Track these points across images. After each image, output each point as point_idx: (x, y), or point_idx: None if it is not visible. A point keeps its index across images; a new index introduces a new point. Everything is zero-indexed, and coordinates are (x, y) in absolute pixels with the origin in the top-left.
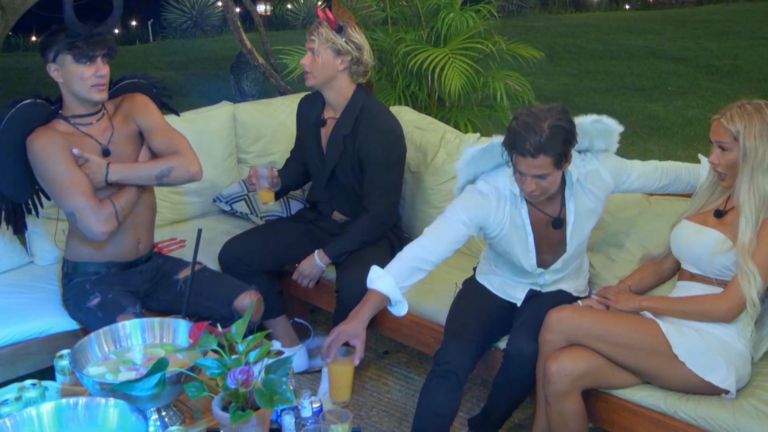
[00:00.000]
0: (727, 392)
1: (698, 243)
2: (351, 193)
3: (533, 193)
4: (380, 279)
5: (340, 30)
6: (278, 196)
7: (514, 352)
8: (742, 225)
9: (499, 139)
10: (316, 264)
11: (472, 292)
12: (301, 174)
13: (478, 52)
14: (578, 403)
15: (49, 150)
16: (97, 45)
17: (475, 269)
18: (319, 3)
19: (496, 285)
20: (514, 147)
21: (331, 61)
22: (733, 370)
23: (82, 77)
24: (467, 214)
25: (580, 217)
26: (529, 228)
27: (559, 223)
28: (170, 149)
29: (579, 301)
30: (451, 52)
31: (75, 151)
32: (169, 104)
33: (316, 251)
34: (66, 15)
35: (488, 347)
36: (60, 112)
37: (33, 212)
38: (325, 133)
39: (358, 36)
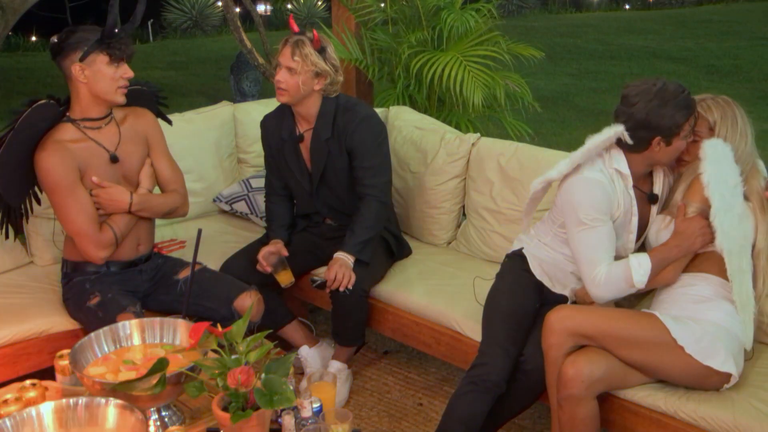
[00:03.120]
0: (728, 379)
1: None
2: (342, 195)
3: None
4: (641, 264)
5: (322, 50)
6: (290, 237)
7: (533, 365)
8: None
9: (612, 129)
10: (347, 263)
11: (518, 284)
12: (289, 205)
13: (488, 58)
14: (593, 408)
15: (56, 170)
16: (124, 46)
17: (511, 253)
18: (319, 3)
19: (554, 276)
20: (690, 106)
21: (309, 81)
22: (730, 354)
23: (112, 78)
24: (603, 212)
25: (663, 195)
26: (635, 208)
27: (655, 198)
28: (171, 182)
29: None
30: (464, 57)
31: (94, 178)
32: (165, 114)
33: (337, 254)
34: (111, 16)
35: None
36: (68, 114)
37: (24, 216)
38: (305, 146)
39: (335, 57)
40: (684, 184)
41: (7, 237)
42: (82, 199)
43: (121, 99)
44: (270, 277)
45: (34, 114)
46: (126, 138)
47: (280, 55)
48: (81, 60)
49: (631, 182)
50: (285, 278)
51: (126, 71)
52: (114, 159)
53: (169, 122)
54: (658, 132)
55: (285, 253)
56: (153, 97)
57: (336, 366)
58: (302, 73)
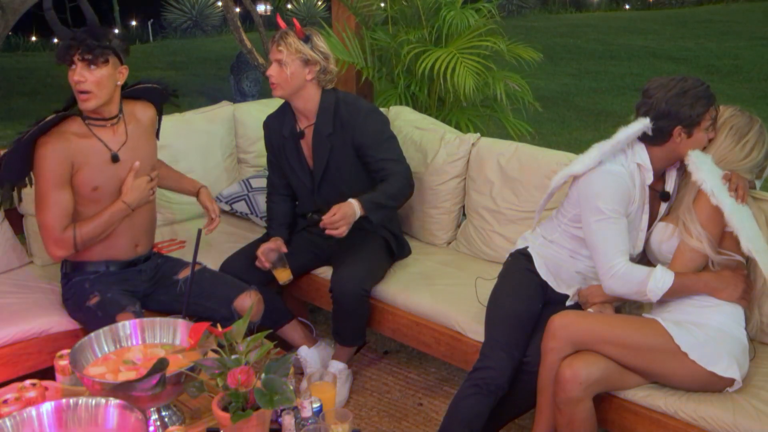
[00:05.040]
0: (731, 383)
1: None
2: (344, 191)
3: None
4: (663, 277)
5: (307, 39)
6: (289, 236)
7: (538, 366)
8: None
9: (641, 122)
10: (355, 210)
11: (522, 285)
12: (290, 204)
13: (485, 49)
14: (590, 410)
15: (47, 161)
16: (71, 49)
17: (517, 250)
18: (319, 3)
19: (559, 275)
20: (710, 97)
21: (299, 71)
22: (734, 359)
23: (70, 83)
24: (623, 206)
25: (673, 193)
26: (647, 205)
27: (667, 196)
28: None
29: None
30: (458, 51)
31: (137, 163)
32: (176, 103)
33: (351, 199)
34: (47, 17)
35: None
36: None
37: (29, 185)
38: (306, 143)
39: (323, 45)
40: (690, 196)
41: (10, 204)
42: (61, 196)
43: (84, 106)
44: (270, 277)
45: (41, 128)
46: (133, 137)
47: (269, 53)
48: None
49: (651, 177)
50: (283, 275)
51: (74, 75)
52: (115, 158)
53: (177, 104)
54: (679, 121)
55: (284, 249)
56: (163, 93)
57: (336, 366)
58: (290, 63)
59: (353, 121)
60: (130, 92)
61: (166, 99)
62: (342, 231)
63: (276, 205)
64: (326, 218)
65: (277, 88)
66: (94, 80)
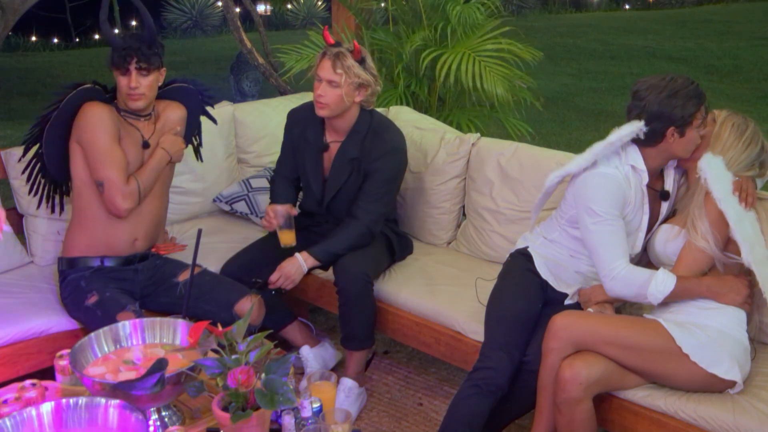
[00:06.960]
0: (732, 385)
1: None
2: (350, 210)
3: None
4: (665, 281)
5: (362, 61)
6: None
7: (538, 366)
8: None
9: (634, 125)
10: (299, 265)
11: (522, 285)
12: (294, 191)
13: (500, 51)
14: (589, 410)
15: (102, 119)
16: (128, 57)
17: (517, 250)
18: (319, 3)
19: (559, 275)
20: (700, 96)
21: (351, 93)
22: (735, 361)
23: (121, 86)
24: (617, 208)
25: (673, 192)
26: (647, 206)
27: (666, 195)
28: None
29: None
30: (474, 52)
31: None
32: (210, 114)
33: (299, 253)
34: (102, 29)
35: None
36: (115, 101)
37: (68, 193)
38: (328, 156)
39: (373, 65)
40: (702, 192)
41: (53, 211)
42: (119, 152)
43: (134, 105)
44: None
45: (80, 95)
46: (159, 134)
47: (318, 68)
48: (109, 67)
49: (646, 178)
50: (288, 238)
51: (130, 81)
52: (145, 145)
53: (214, 121)
54: (672, 122)
55: (295, 213)
56: (197, 95)
57: (347, 384)
58: (345, 86)
59: (374, 154)
60: (165, 93)
61: (201, 107)
62: (288, 286)
63: (279, 188)
64: (271, 279)
65: (326, 108)
66: (147, 85)
